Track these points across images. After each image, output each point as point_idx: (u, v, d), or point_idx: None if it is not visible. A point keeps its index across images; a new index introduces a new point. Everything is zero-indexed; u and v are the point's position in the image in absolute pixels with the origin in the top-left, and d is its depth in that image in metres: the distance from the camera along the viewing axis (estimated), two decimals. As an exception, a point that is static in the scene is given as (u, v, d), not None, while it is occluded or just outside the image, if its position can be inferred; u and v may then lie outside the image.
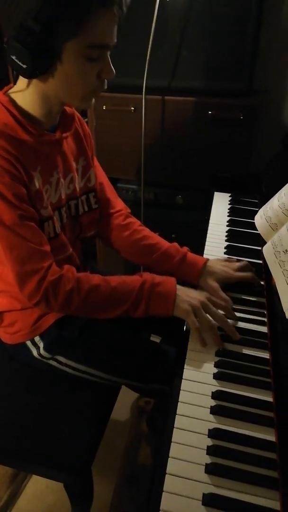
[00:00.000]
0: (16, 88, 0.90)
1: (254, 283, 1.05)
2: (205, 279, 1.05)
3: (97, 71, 0.84)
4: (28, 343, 1.04)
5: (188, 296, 0.93)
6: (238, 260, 1.10)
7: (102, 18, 0.76)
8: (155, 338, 1.24)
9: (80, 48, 0.78)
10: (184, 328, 0.93)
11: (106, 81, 0.87)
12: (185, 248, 1.12)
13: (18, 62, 0.77)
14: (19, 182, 0.86)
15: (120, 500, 1.40)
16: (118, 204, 1.21)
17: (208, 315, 0.90)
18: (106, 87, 0.89)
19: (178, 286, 0.94)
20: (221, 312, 0.92)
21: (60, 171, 0.99)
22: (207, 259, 1.08)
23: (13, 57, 0.77)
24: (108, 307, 0.94)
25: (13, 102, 0.89)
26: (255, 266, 1.10)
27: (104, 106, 1.68)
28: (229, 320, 0.91)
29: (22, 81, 0.88)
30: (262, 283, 1.05)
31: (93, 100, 0.92)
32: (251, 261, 1.12)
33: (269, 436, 0.70)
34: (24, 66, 0.77)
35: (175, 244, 1.13)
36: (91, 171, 1.10)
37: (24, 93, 0.88)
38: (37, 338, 1.03)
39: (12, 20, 0.75)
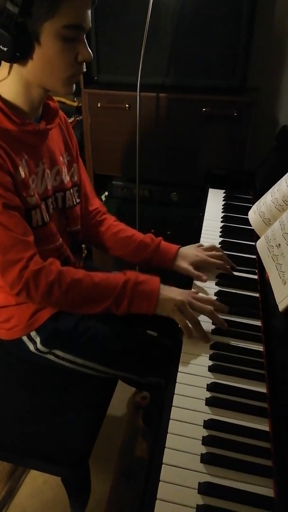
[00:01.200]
0: None
1: (226, 270, 1.08)
2: (178, 263, 1.12)
3: (75, 53, 0.87)
4: (25, 338, 1.05)
5: (171, 294, 0.93)
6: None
7: (75, 1, 0.81)
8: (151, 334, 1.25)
9: (56, 28, 0.82)
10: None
11: (84, 64, 0.91)
12: (159, 238, 1.18)
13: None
14: (3, 170, 0.87)
15: (117, 494, 1.41)
16: (96, 203, 1.26)
17: (192, 311, 0.91)
18: (84, 70, 0.92)
19: (162, 286, 0.95)
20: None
21: (45, 162, 1.01)
22: (180, 246, 1.16)
23: None
24: (89, 303, 0.94)
25: None
26: (249, 261, 1.12)
27: (98, 104, 1.69)
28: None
29: (3, 69, 0.90)
30: (255, 277, 1.06)
31: (74, 86, 0.94)
32: (245, 256, 1.14)
33: (263, 426, 0.72)
34: (5, 49, 0.81)
35: (150, 234, 1.19)
36: (74, 166, 1.14)
37: (6, 82, 0.90)
38: (33, 333, 1.04)
39: None
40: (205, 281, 1.06)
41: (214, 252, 1.11)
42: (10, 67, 0.88)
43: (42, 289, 0.90)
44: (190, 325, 0.89)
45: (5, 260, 0.88)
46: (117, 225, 1.23)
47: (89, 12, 0.86)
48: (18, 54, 0.83)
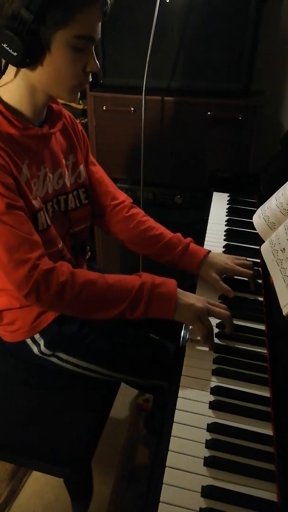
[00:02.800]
0: (2, 81, 0.92)
1: (251, 282, 1.05)
2: (205, 269, 1.06)
3: (83, 63, 0.88)
4: (29, 341, 1.05)
5: (190, 300, 0.90)
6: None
7: (89, 12, 0.82)
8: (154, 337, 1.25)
9: (68, 38, 0.82)
10: (187, 336, 0.92)
11: (90, 74, 0.91)
12: (188, 239, 1.13)
13: (9, 50, 0.81)
14: (6, 172, 0.87)
15: (119, 497, 1.41)
16: (120, 196, 1.22)
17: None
18: (90, 79, 0.93)
19: (178, 290, 0.91)
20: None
21: (47, 166, 1.00)
22: (209, 251, 1.10)
23: (4, 45, 0.81)
24: (103, 306, 0.90)
25: None
26: (254, 264, 1.11)
27: (104, 107, 1.69)
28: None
29: (9, 73, 0.90)
30: (259, 281, 1.07)
31: (79, 94, 0.95)
32: (249, 260, 1.13)
33: (267, 430, 0.72)
34: (15, 54, 0.81)
35: (178, 234, 1.14)
36: (80, 167, 1.12)
37: (11, 87, 0.91)
38: (37, 336, 1.04)
39: (5, 10, 0.80)
40: (231, 296, 1.02)
41: (244, 262, 1.08)
42: (17, 71, 0.89)
43: (53, 290, 0.86)
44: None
45: (12, 260, 0.85)
46: (146, 221, 1.18)
47: (100, 24, 0.87)
48: (28, 60, 0.83)
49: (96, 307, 0.90)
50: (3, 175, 0.86)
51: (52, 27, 0.81)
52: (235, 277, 1.07)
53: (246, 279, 1.06)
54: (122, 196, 1.23)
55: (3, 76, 0.92)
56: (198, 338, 0.90)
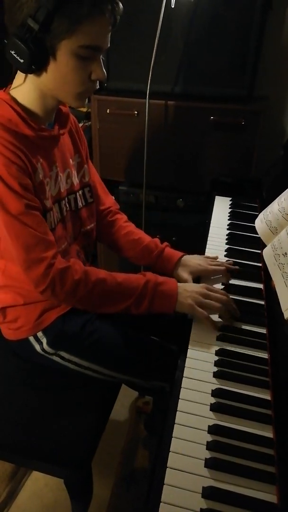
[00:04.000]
0: (14, 84, 0.95)
1: (227, 276, 1.10)
2: (177, 271, 1.15)
3: (89, 71, 0.90)
4: (31, 338, 1.06)
5: (187, 291, 0.98)
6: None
7: (94, 23, 0.83)
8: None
9: (73, 47, 0.84)
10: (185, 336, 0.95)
11: (97, 82, 0.93)
12: (165, 244, 1.21)
13: (17, 57, 0.85)
14: (24, 173, 0.90)
15: (118, 499, 1.41)
16: (108, 201, 1.29)
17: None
18: (97, 87, 0.95)
19: (178, 284, 0.99)
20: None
21: (58, 165, 1.03)
22: (184, 254, 1.18)
23: (12, 52, 0.84)
24: (111, 301, 0.98)
25: (14, 99, 0.94)
26: (255, 269, 1.12)
27: (107, 110, 1.71)
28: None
29: (19, 77, 0.94)
30: (261, 286, 1.07)
31: (86, 100, 0.98)
32: (250, 264, 1.14)
33: (267, 432, 0.72)
34: (22, 60, 0.84)
35: (156, 239, 1.22)
36: (85, 167, 1.16)
37: (23, 90, 0.94)
38: (40, 334, 1.05)
39: (15, 20, 0.83)
40: None
41: (217, 262, 1.13)
42: (26, 76, 0.92)
43: (68, 287, 0.93)
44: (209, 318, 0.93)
45: (30, 259, 0.91)
46: (127, 226, 1.26)
47: (108, 34, 0.88)
48: (34, 67, 0.86)
49: (105, 303, 0.98)
50: (22, 176, 0.89)
51: (57, 36, 0.83)
52: (237, 281, 1.08)
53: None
54: (110, 201, 1.30)
55: (15, 80, 0.95)
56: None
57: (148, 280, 0.98)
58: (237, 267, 1.12)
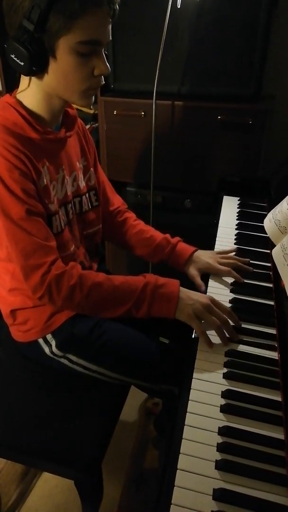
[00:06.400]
0: (20, 88, 0.95)
1: (235, 276, 1.08)
2: (188, 266, 1.15)
3: (92, 67, 0.88)
4: (40, 341, 1.06)
5: (191, 299, 0.94)
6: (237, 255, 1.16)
7: (90, 17, 0.81)
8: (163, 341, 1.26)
9: (71, 44, 0.83)
10: (193, 334, 0.93)
11: (102, 77, 0.92)
12: (177, 239, 1.21)
13: (17, 60, 0.84)
14: (27, 178, 0.90)
15: (128, 500, 1.41)
16: (116, 201, 1.29)
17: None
18: (103, 83, 0.93)
19: (182, 289, 0.96)
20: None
21: (65, 168, 1.03)
22: (196, 249, 1.17)
23: (12, 56, 0.84)
24: (109, 306, 0.96)
25: (20, 103, 0.94)
26: (264, 269, 1.12)
27: (114, 111, 1.71)
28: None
29: (23, 81, 0.94)
30: (270, 285, 1.07)
31: (93, 98, 0.96)
32: (259, 264, 1.14)
33: (278, 434, 0.71)
34: (22, 63, 0.84)
35: (167, 235, 1.22)
36: (91, 170, 1.16)
37: (29, 93, 0.94)
38: (49, 336, 1.05)
39: (13, 23, 0.83)
40: (202, 291, 1.06)
41: (228, 261, 1.11)
42: (30, 79, 0.91)
43: (64, 293, 0.92)
44: (205, 333, 0.90)
45: (28, 265, 0.90)
46: (137, 225, 1.26)
47: (108, 26, 0.86)
48: (35, 69, 0.86)
49: (103, 307, 0.97)
50: (25, 181, 0.89)
51: (54, 35, 0.82)
52: (246, 281, 1.08)
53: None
54: (118, 201, 1.30)
55: (20, 84, 0.95)
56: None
57: (147, 282, 0.96)
58: (248, 259, 1.12)
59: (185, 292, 0.95)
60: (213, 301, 0.94)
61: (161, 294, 0.94)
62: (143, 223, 1.28)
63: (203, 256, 1.15)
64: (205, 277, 1.12)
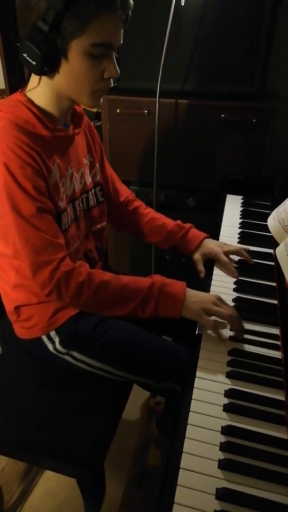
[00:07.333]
0: (29, 86, 0.96)
1: (231, 271, 1.11)
2: (194, 252, 1.20)
3: (102, 70, 0.89)
4: (44, 337, 1.06)
5: (197, 297, 0.95)
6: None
7: (105, 20, 0.82)
8: (166, 339, 1.25)
9: (84, 46, 0.84)
10: (196, 331, 0.94)
11: (112, 80, 0.92)
12: (189, 225, 1.25)
13: (29, 59, 0.85)
14: (39, 175, 0.90)
15: (130, 499, 1.41)
16: (125, 192, 1.32)
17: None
18: (112, 85, 0.94)
19: (188, 289, 0.97)
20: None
21: (73, 165, 1.04)
22: (207, 236, 1.22)
23: (25, 55, 0.85)
24: (116, 304, 0.96)
25: (30, 101, 0.95)
26: (268, 268, 1.11)
27: (118, 109, 1.70)
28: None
29: (33, 79, 0.94)
30: (274, 284, 1.06)
31: (101, 100, 0.97)
32: (263, 263, 1.13)
33: (281, 433, 0.71)
34: (34, 62, 0.85)
35: (179, 222, 1.26)
36: (96, 166, 1.17)
37: (38, 91, 0.94)
38: (52, 333, 1.05)
39: (27, 22, 0.84)
40: (202, 277, 1.13)
41: (233, 248, 1.15)
42: (40, 78, 0.92)
43: (72, 290, 0.92)
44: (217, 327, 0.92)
45: (37, 262, 0.91)
46: (148, 213, 1.29)
47: (121, 31, 0.87)
48: (46, 69, 0.86)
49: (110, 306, 0.97)
50: (36, 178, 0.89)
51: (67, 36, 0.83)
52: (249, 280, 1.08)
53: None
54: (127, 191, 1.33)
55: (30, 82, 0.95)
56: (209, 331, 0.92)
57: (154, 282, 0.97)
58: (249, 251, 1.16)
59: (191, 292, 0.96)
60: (219, 298, 0.96)
61: (168, 292, 0.95)
62: (153, 211, 1.31)
63: (210, 243, 1.19)
64: (209, 277, 1.11)
